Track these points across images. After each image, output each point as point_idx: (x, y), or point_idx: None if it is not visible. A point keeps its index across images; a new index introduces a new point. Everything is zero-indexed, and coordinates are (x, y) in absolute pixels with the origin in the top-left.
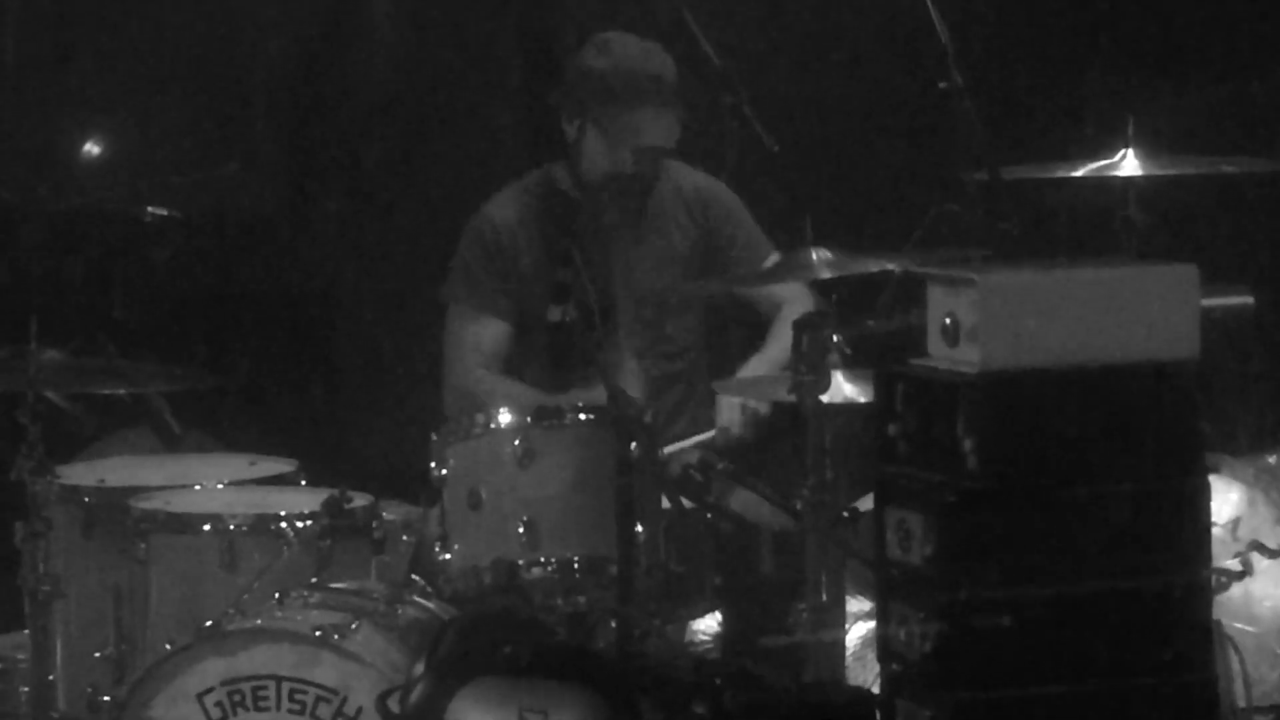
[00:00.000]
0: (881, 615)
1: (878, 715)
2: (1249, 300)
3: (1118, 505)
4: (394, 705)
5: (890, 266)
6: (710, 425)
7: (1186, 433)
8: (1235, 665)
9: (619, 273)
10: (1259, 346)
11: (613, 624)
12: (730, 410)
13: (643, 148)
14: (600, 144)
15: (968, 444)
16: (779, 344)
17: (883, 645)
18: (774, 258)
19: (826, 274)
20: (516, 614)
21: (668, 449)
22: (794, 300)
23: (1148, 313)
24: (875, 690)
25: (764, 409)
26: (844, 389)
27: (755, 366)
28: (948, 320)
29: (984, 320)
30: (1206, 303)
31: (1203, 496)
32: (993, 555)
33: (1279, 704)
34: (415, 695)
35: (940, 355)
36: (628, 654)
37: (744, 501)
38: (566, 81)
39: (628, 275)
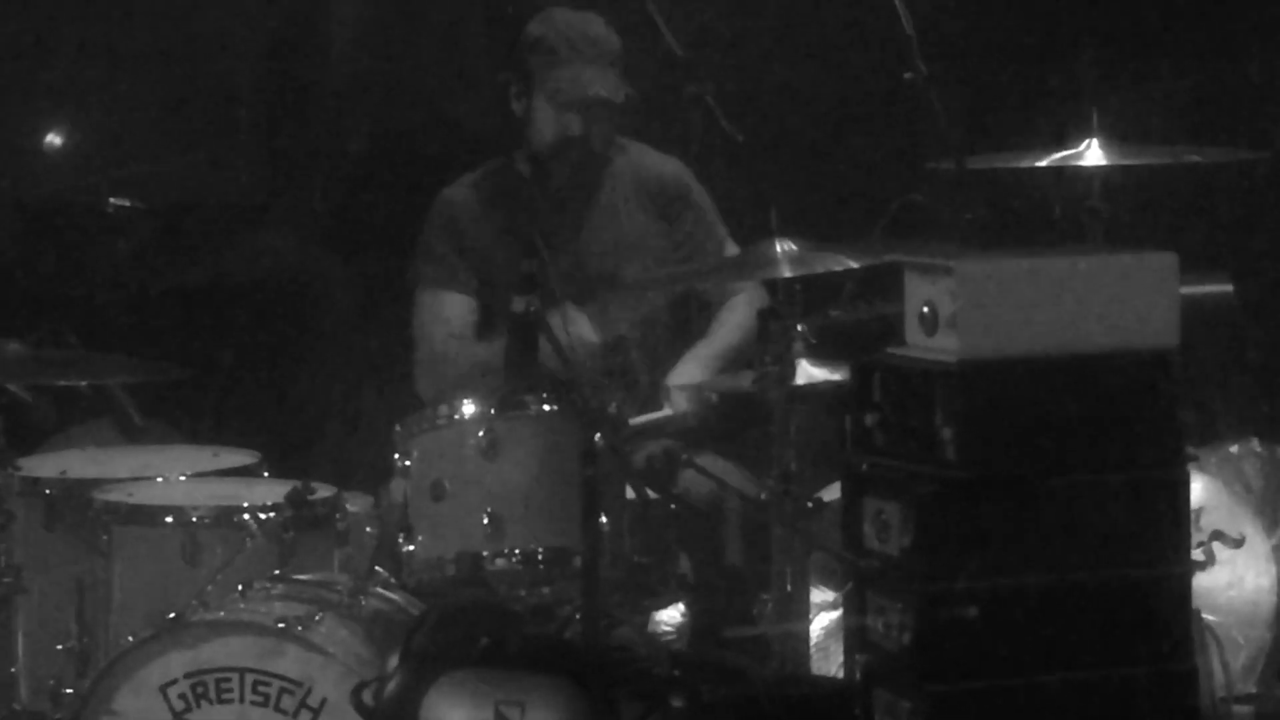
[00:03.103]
0: (857, 606)
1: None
2: (1229, 288)
3: (1098, 495)
4: (368, 698)
5: (853, 264)
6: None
7: (1167, 422)
8: (1215, 656)
9: (570, 254)
10: (1232, 335)
11: (577, 616)
12: (680, 397)
13: (588, 101)
14: (547, 110)
15: (946, 433)
16: (721, 334)
17: (858, 636)
18: (730, 248)
19: (789, 271)
20: (492, 605)
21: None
22: (744, 289)
23: (1128, 301)
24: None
25: (714, 396)
26: (809, 371)
27: (696, 355)
28: (925, 309)
29: (963, 308)
30: (1186, 290)
31: (1183, 487)
32: (972, 546)
33: (1255, 693)
34: (390, 688)
35: (918, 344)
36: (604, 646)
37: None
38: (512, 59)
39: (580, 257)
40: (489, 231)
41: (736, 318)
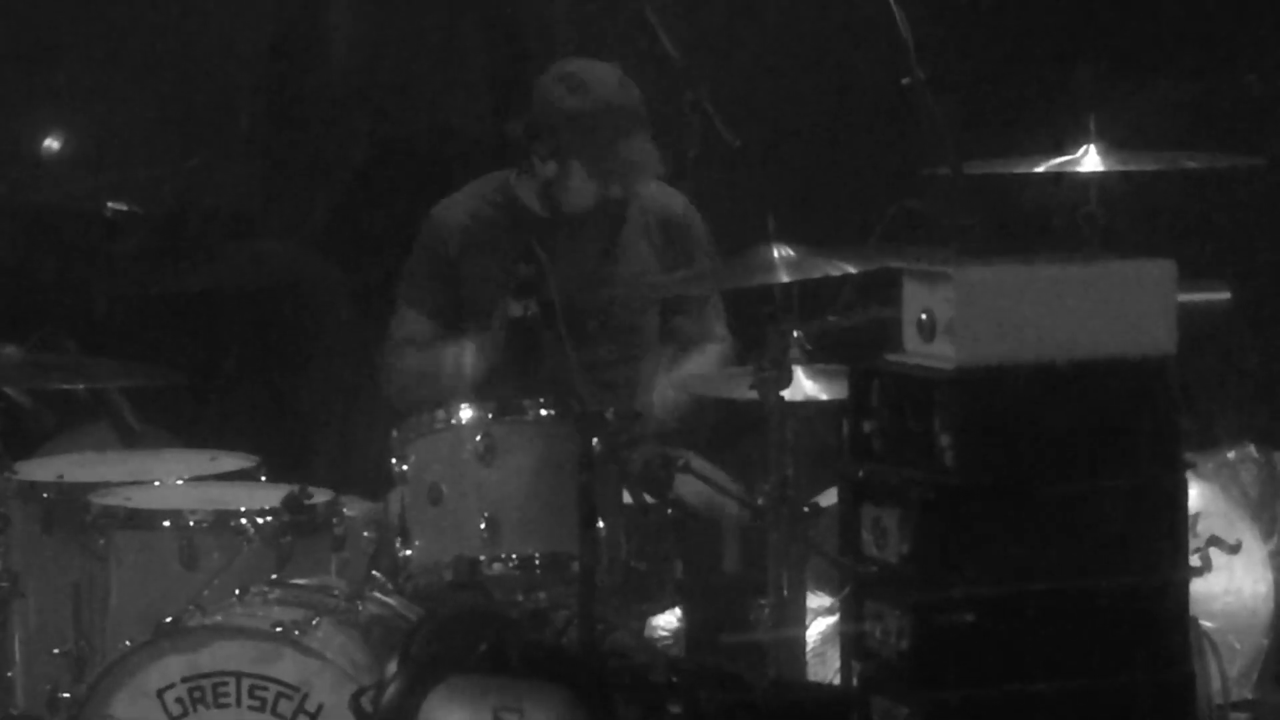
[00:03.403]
0: (855, 612)
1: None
2: (1226, 295)
3: (1095, 502)
4: (367, 704)
5: (851, 270)
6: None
7: (1165, 429)
8: (1211, 662)
9: (573, 285)
10: (1229, 342)
11: (573, 621)
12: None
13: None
14: (588, 181)
15: (944, 440)
16: (691, 367)
17: (855, 642)
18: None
19: (786, 277)
20: (490, 612)
21: None
22: (723, 339)
23: (1126, 308)
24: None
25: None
26: (804, 386)
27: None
28: (923, 315)
29: (960, 315)
30: (1183, 297)
31: (1181, 493)
32: (970, 552)
33: (1251, 699)
34: (388, 694)
35: (916, 351)
36: (602, 652)
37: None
38: (537, 118)
39: (582, 290)
40: (478, 256)
41: (708, 360)
